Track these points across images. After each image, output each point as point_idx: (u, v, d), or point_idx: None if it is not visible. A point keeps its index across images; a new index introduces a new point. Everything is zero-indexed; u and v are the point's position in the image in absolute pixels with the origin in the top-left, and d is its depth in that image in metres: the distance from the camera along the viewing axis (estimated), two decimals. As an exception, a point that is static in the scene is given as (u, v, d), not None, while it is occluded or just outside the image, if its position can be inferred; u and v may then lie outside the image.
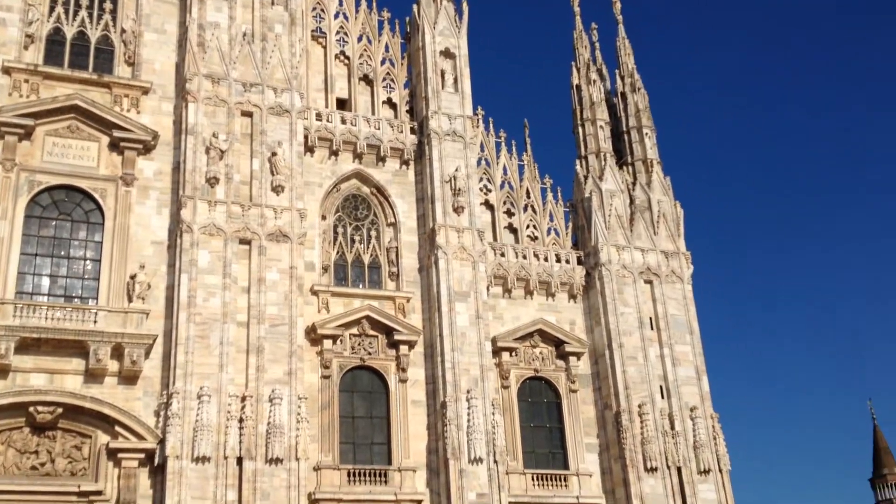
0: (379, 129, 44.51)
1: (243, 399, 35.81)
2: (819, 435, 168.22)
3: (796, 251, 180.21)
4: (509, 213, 47.14)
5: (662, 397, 43.56)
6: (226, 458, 34.63)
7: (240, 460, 34.84)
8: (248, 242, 38.66)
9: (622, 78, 51.78)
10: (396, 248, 43.09)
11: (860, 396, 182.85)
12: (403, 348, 40.72)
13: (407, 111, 46.37)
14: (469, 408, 39.22)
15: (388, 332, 40.71)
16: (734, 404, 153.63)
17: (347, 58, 46.71)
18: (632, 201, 48.01)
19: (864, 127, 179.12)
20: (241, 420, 35.34)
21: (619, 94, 51.59)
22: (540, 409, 43.30)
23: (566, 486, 41.60)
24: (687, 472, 41.90)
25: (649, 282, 46.11)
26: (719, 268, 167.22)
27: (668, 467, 41.75)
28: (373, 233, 43.38)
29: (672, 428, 42.71)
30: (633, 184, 48.64)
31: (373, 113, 45.51)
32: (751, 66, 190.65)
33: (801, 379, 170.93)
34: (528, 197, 47.61)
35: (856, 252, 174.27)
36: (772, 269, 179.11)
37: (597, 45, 52.98)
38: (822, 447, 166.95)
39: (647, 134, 49.60)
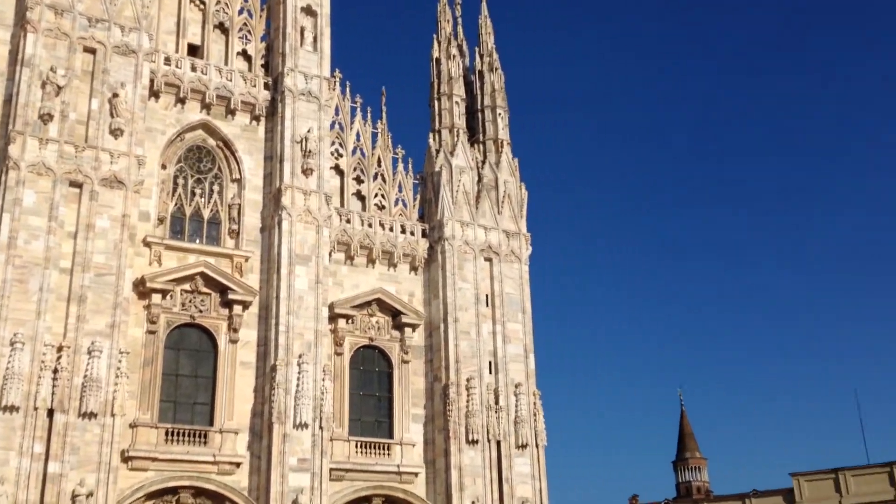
0: (231, 80, 43.17)
1: (60, 349, 34.35)
2: (631, 418, 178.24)
3: (630, 242, 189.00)
4: (358, 181, 46.89)
5: (491, 373, 44.80)
6: (36, 409, 33.24)
7: (51, 412, 33.51)
8: (80, 186, 36.86)
9: (481, 56, 52.24)
10: (239, 205, 42.17)
11: (671, 384, 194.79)
12: (237, 308, 40.04)
13: (262, 65, 45.12)
14: (300, 372, 39.10)
15: (223, 290, 39.91)
16: (558, 382, 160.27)
17: (203, 2, 44.89)
18: (480, 179, 48.76)
19: (714, 111, 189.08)
20: (55, 371, 33.93)
21: (476, 72, 52.05)
22: (371, 378, 43.69)
23: (389, 454, 42.29)
24: (506, 445, 43.39)
25: (489, 259, 47.10)
26: (557, 248, 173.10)
27: (489, 440, 43.11)
28: (215, 187, 42.25)
29: (496, 403, 44.03)
30: (483, 162, 49.40)
31: (226, 63, 44.02)
32: (607, 57, 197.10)
33: (620, 364, 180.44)
34: (379, 165, 47.52)
35: (686, 246, 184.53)
36: (608, 258, 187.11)
37: (459, 20, 53.19)
38: (632, 430, 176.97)
39: (500, 114, 50.38)
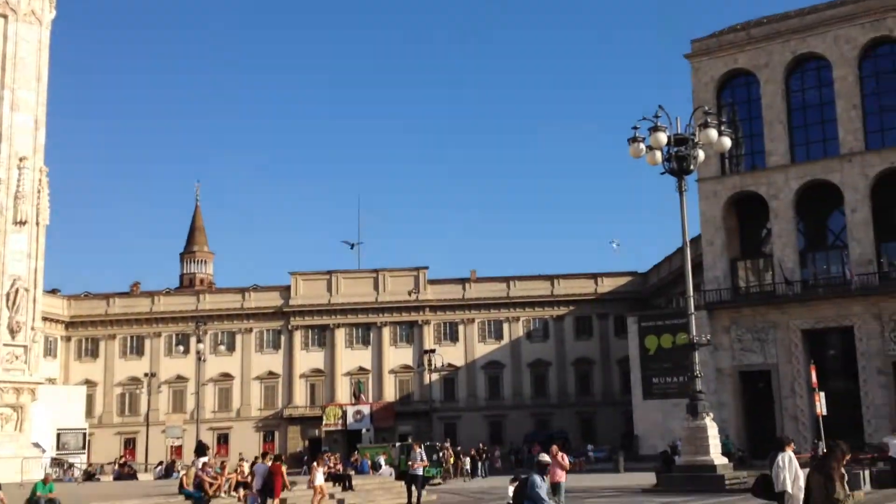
0: None
1: None
2: (144, 207, 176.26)
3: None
4: None
5: (-7, 141, 40.58)
6: None
7: None
8: None
9: None
10: None
11: (190, 177, 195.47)
12: None
13: None
14: None
15: None
16: (67, 158, 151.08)
17: None
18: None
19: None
20: None
21: None
22: None
23: None
24: (2, 220, 40.28)
25: (4, 16, 41.62)
26: (87, 14, 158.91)
27: (-17, 214, 39.58)
28: None
29: (-4, 175, 40.28)
30: None
31: None
32: None
33: (139, 152, 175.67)
34: None
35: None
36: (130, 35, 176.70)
37: None
38: (144, 218, 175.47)
39: None
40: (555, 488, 20.77)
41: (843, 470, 9.66)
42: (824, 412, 36.38)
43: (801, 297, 53.90)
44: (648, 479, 34.04)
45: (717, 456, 30.09)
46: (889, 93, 54.05)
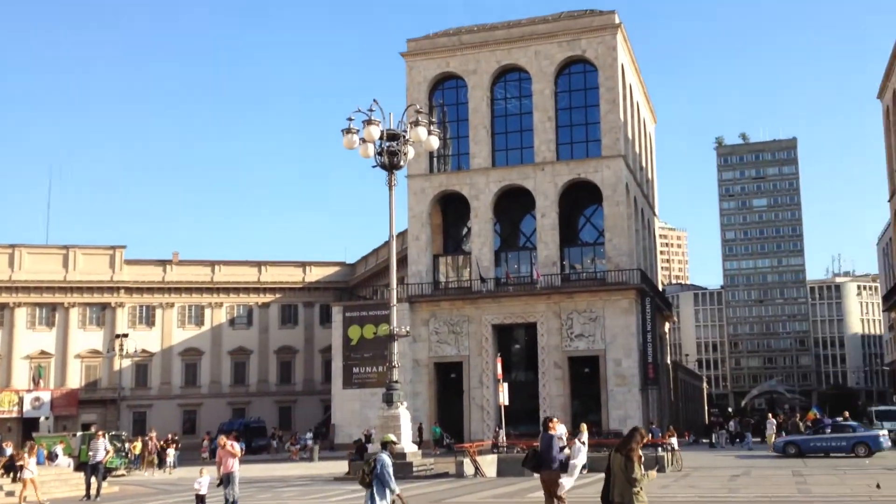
0: None
1: None
2: None
3: None
4: None
5: None
6: None
7: None
8: None
9: None
10: None
11: None
12: None
13: None
14: None
15: None
16: None
17: None
18: None
19: None
20: None
21: None
22: None
23: None
24: None
25: None
26: None
27: None
28: None
29: None
30: None
31: None
32: None
33: None
34: None
35: None
36: None
37: None
38: None
39: None
40: (227, 479, 20.23)
41: (640, 452, 10.75)
42: (506, 402, 38.84)
43: (494, 294, 57.42)
44: (342, 467, 34.45)
45: (408, 444, 31.07)
46: (579, 108, 59.13)
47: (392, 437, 15.14)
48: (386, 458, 13.68)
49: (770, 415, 50.30)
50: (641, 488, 10.46)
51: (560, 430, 18.48)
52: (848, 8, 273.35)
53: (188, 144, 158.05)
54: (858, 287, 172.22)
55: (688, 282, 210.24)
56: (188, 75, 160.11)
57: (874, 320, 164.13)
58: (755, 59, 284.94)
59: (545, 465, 15.33)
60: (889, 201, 70.23)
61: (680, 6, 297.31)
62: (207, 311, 76.96)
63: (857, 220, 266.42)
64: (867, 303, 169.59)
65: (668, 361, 75.07)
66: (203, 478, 20.62)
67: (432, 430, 54.59)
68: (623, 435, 13.95)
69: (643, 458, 11.53)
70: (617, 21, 58.18)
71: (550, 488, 15.38)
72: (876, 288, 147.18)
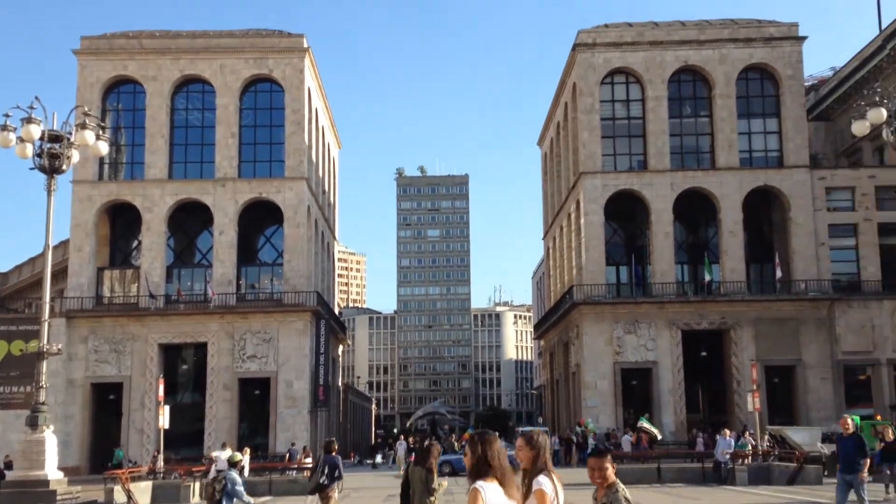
0: None
1: None
2: None
3: None
4: None
5: None
6: None
7: None
8: None
9: None
10: None
11: None
12: None
13: None
14: None
15: None
16: None
17: None
18: None
19: None
20: None
21: None
22: None
23: None
24: None
25: None
26: None
27: None
28: None
29: None
30: None
31: None
32: None
33: None
34: None
35: None
36: None
37: None
38: None
39: None
40: None
41: (435, 465, 12.04)
42: (167, 425, 37.20)
43: (163, 312, 54.87)
44: (-28, 499, 30.74)
45: (52, 470, 28.52)
46: (264, 127, 58.70)
47: (239, 455, 17.06)
48: (235, 476, 15.28)
49: (402, 437, 53.00)
50: (437, 498, 11.90)
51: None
52: (523, 53, 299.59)
53: None
54: (515, 316, 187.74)
55: (365, 305, 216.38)
56: None
57: (527, 347, 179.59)
58: (439, 96, 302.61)
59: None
60: (543, 238, 77.46)
61: (372, 37, 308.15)
62: None
63: (517, 253, 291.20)
64: (521, 331, 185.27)
65: (340, 383, 76.35)
66: None
67: (115, 454, 50.76)
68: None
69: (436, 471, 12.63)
70: (305, 45, 58.63)
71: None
72: (529, 317, 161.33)
